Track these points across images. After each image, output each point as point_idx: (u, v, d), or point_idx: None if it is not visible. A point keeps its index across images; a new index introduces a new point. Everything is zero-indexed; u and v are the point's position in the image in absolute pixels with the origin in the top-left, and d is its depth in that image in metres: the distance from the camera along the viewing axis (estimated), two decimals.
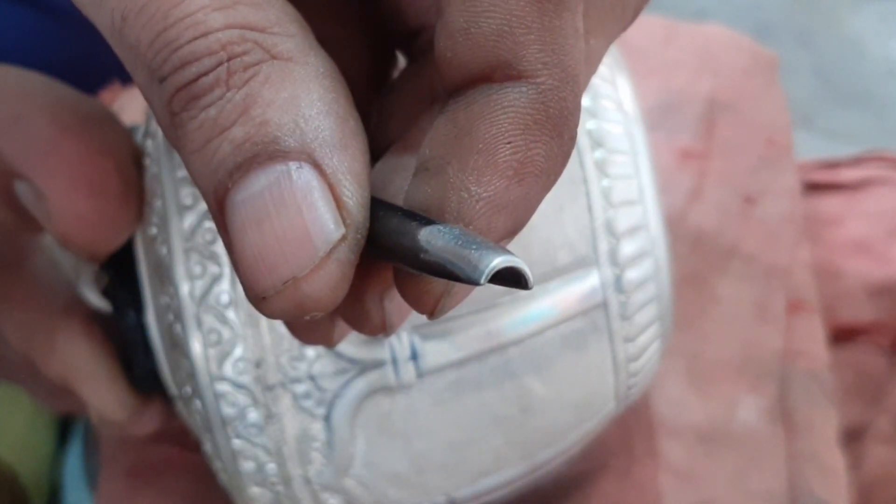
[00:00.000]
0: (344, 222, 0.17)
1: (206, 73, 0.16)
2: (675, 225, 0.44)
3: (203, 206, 0.28)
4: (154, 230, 0.28)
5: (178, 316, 0.28)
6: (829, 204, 0.49)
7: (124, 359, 0.31)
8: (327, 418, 0.28)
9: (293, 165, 0.16)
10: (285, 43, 0.17)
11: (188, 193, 0.28)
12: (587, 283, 0.29)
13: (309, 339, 0.22)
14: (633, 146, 0.30)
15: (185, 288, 0.27)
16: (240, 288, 0.27)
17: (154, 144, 0.29)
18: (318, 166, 0.17)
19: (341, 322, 0.21)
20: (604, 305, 0.29)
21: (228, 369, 0.28)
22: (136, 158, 0.29)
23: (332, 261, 0.17)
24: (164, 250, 0.28)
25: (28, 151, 0.27)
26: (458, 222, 0.17)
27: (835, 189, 0.50)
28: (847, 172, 0.50)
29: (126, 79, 0.49)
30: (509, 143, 0.17)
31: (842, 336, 0.45)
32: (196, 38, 0.16)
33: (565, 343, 0.29)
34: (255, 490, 0.29)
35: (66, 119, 0.28)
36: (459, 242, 0.16)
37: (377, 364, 0.28)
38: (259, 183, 0.16)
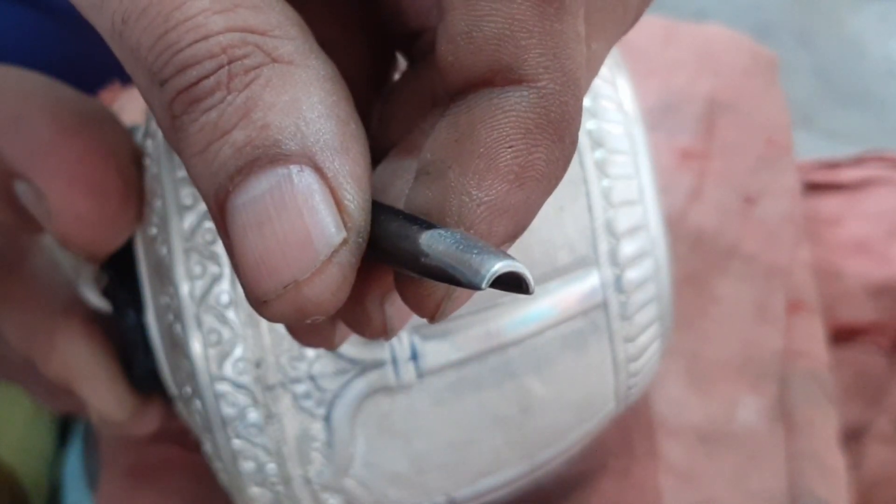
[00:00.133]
0: (345, 226, 0.17)
1: (206, 77, 0.16)
2: (675, 225, 0.44)
3: (203, 206, 0.28)
4: (154, 230, 0.28)
5: (178, 316, 0.28)
6: (829, 204, 0.49)
7: (124, 359, 0.31)
8: (327, 418, 0.28)
9: (294, 169, 0.16)
10: (286, 46, 0.17)
11: (188, 193, 0.28)
12: (587, 284, 0.29)
13: (310, 341, 0.22)
14: (633, 146, 0.30)
15: (185, 288, 0.27)
16: (240, 288, 0.27)
17: (154, 144, 0.29)
18: (319, 170, 0.17)
19: (342, 325, 0.21)
20: (604, 305, 0.29)
21: (228, 369, 0.28)
22: (136, 158, 0.29)
23: (333, 264, 0.17)
24: (164, 250, 0.28)
25: (28, 151, 0.27)
26: (458, 226, 0.17)
27: (835, 189, 0.50)
28: (847, 172, 0.50)
29: (126, 79, 0.49)
30: (510, 147, 0.17)
31: (842, 336, 0.45)
32: (197, 42, 0.16)
33: (565, 343, 0.29)
34: (255, 490, 0.29)
35: (66, 119, 0.28)
36: (460, 247, 0.16)
37: (377, 364, 0.28)
38: (260, 186, 0.16)
